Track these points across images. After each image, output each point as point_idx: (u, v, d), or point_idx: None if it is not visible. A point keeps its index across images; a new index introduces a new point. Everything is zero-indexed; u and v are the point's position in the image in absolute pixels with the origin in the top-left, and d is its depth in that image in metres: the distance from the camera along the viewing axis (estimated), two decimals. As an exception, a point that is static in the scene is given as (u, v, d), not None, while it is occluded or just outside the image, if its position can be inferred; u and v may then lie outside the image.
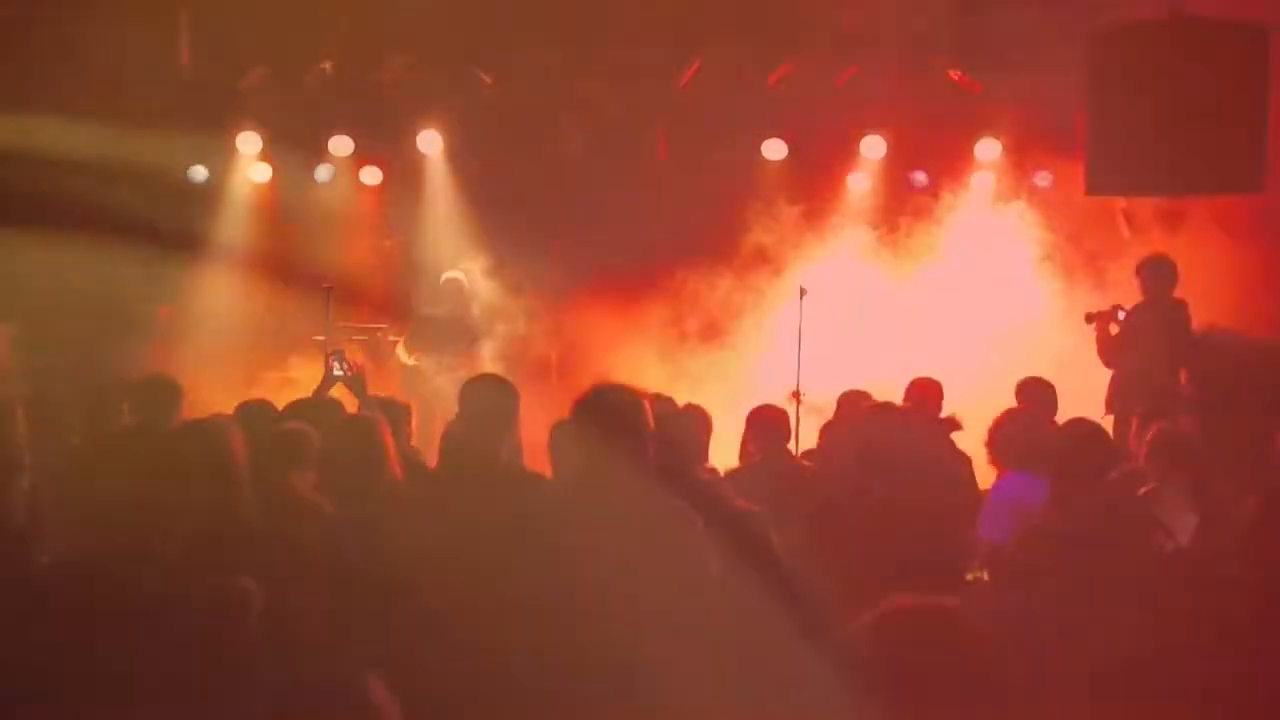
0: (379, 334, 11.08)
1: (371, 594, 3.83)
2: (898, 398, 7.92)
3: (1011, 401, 7.34)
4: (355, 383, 5.47)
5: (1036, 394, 6.83)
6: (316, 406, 5.47)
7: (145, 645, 3.23)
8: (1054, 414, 6.62)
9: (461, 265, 10.91)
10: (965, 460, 6.67)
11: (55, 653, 3.23)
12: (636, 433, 4.00)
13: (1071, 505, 4.42)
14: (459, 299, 10.55)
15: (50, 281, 10.45)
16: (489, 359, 10.20)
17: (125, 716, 3.14)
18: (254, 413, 5.28)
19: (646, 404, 4.12)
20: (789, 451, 6.14)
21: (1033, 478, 5.18)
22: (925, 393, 7.25)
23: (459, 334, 10.39)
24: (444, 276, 10.69)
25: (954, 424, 7.19)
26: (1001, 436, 5.63)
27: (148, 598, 3.34)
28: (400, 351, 10.62)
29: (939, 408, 7.29)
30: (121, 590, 3.38)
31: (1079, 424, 5.07)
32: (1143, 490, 5.19)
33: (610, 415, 4.00)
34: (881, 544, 4.51)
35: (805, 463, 6.09)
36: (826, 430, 6.69)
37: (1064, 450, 4.69)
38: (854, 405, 7.05)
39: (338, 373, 5.54)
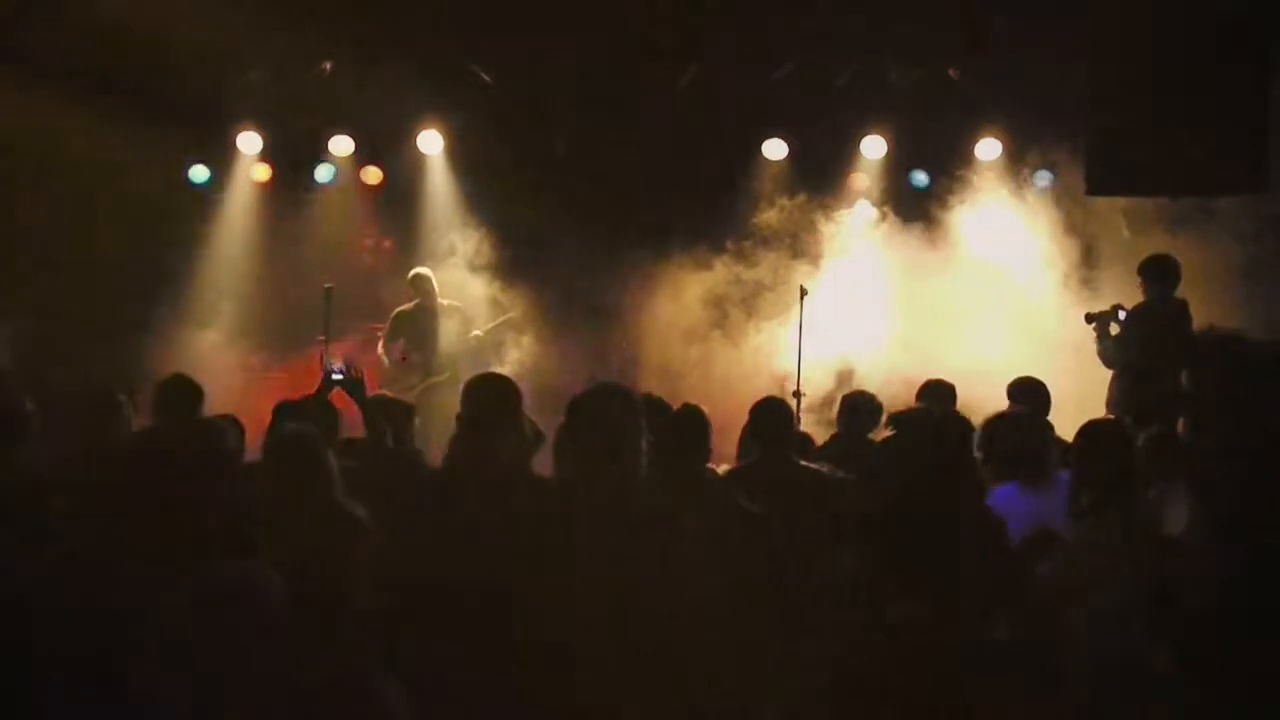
0: (378, 334, 11.06)
1: (384, 592, 3.83)
2: (896, 396, 7.95)
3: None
4: (354, 385, 5.44)
5: (1028, 395, 6.80)
6: (316, 407, 5.46)
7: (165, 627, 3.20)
8: (1046, 414, 6.57)
9: (428, 262, 10.90)
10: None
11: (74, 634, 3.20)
12: (633, 432, 4.00)
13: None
14: (427, 293, 10.52)
15: (49, 280, 10.46)
16: (475, 360, 10.14)
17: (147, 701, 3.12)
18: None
19: (640, 403, 4.12)
20: (791, 449, 6.09)
21: (1020, 489, 4.96)
22: (937, 394, 7.22)
23: (430, 329, 10.39)
24: (411, 272, 10.69)
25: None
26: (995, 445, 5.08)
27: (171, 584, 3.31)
28: (381, 352, 10.56)
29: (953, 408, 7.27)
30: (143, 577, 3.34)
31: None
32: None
33: (608, 415, 4.00)
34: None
35: (806, 463, 6.05)
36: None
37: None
38: (858, 405, 7.07)
39: (337, 375, 5.49)
